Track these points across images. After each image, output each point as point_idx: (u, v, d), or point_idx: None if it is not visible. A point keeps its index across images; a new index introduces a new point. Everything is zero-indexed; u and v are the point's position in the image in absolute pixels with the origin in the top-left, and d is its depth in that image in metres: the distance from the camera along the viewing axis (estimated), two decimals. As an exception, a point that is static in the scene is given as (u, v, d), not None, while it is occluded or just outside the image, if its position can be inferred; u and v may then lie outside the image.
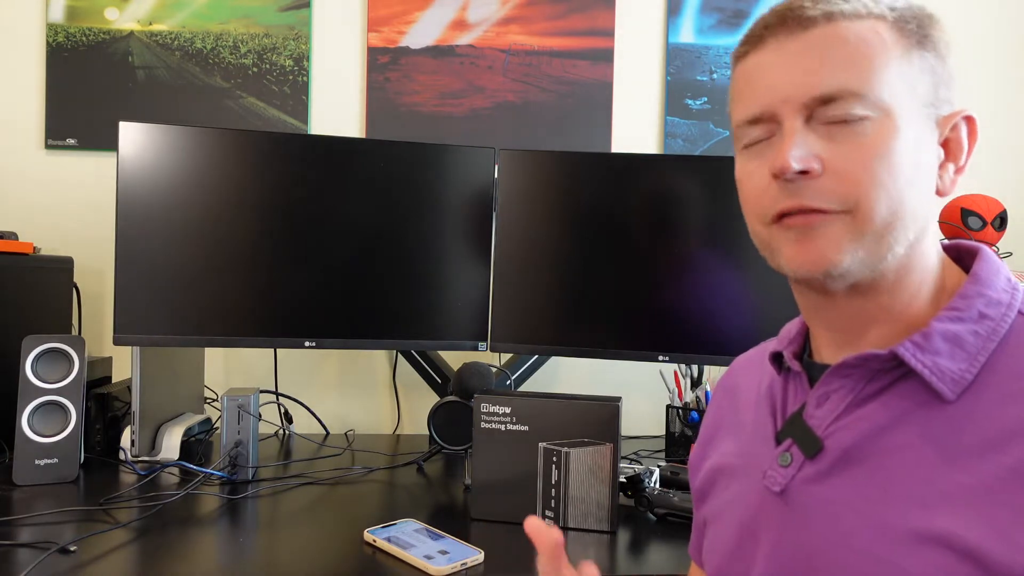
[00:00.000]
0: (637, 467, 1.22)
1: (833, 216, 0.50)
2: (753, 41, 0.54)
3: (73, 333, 1.51)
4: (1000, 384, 0.48)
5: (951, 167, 0.54)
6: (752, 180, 0.55)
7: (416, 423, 1.65)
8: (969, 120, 0.54)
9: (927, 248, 0.54)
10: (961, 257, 0.57)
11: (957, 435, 0.48)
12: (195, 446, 1.39)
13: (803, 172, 0.50)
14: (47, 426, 1.15)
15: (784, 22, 0.52)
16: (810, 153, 0.50)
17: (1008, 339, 0.50)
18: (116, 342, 1.23)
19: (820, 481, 0.53)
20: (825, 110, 0.50)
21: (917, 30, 0.52)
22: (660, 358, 1.31)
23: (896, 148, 0.50)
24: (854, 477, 0.51)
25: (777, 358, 0.62)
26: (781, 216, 0.52)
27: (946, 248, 0.58)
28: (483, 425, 1.02)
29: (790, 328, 0.64)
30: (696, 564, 0.73)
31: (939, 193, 0.53)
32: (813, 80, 0.50)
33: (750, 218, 0.57)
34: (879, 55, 0.50)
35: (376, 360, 1.66)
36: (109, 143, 1.58)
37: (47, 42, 1.58)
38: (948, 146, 0.54)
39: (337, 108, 1.65)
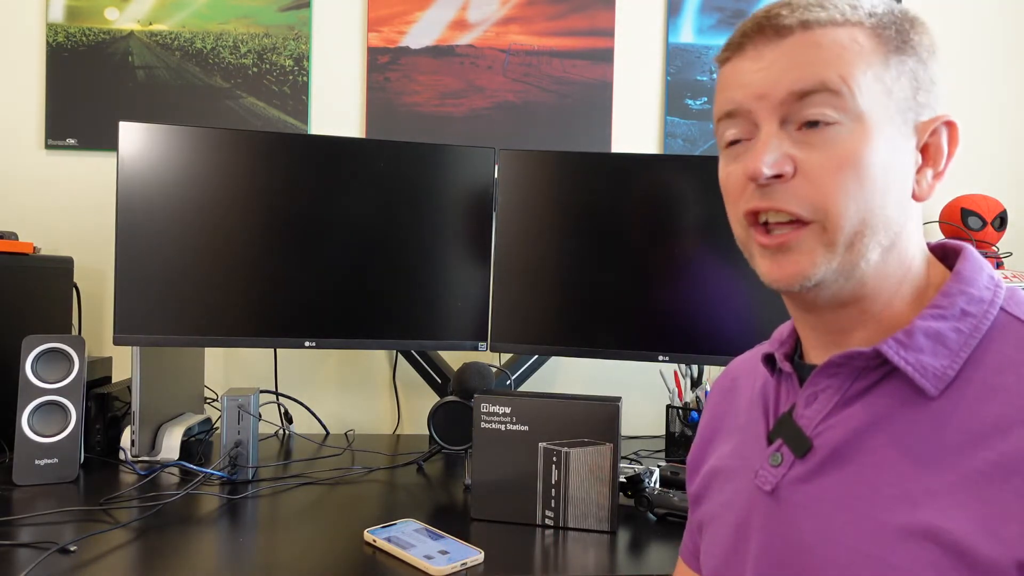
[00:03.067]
0: (637, 467, 1.22)
1: (805, 230, 0.52)
2: (733, 48, 0.56)
3: (73, 333, 1.51)
4: (982, 380, 0.49)
5: (929, 172, 0.54)
6: (731, 181, 0.56)
7: (416, 423, 1.65)
8: (950, 125, 0.54)
9: (906, 251, 0.54)
10: (946, 256, 0.58)
11: (941, 431, 0.48)
12: (195, 446, 1.39)
13: (776, 176, 0.51)
14: (47, 426, 1.15)
15: (762, 30, 0.53)
16: (783, 156, 0.51)
17: (990, 336, 0.51)
18: (116, 342, 1.23)
19: (809, 480, 0.54)
20: (800, 108, 0.51)
21: (896, 35, 0.52)
22: (660, 358, 1.31)
23: (867, 156, 0.50)
24: (842, 475, 0.52)
25: (769, 360, 0.63)
26: (751, 214, 0.54)
27: (932, 248, 0.58)
28: (483, 425, 1.02)
29: (782, 330, 0.65)
30: (685, 565, 0.73)
31: (916, 198, 0.54)
32: (789, 76, 0.51)
33: (731, 218, 0.58)
34: (855, 60, 0.51)
35: (376, 360, 1.66)
36: (109, 143, 1.58)
37: (47, 42, 1.58)
38: (927, 151, 0.54)
39: (337, 108, 1.65)
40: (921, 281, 0.55)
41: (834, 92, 0.50)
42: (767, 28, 0.53)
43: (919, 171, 0.54)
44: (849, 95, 0.50)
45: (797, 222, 0.52)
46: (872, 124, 0.51)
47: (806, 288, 0.53)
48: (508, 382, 1.47)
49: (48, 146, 1.58)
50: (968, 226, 1.56)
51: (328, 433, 1.56)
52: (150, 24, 1.60)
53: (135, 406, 1.25)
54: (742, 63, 0.54)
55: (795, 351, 0.63)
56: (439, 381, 1.56)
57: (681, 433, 1.42)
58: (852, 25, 0.52)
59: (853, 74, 0.50)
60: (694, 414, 1.40)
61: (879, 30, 0.52)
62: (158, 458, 1.29)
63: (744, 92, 0.54)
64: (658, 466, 1.18)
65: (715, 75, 1.72)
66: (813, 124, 0.51)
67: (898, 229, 0.53)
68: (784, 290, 0.54)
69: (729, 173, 0.57)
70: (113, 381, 1.46)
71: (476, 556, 0.86)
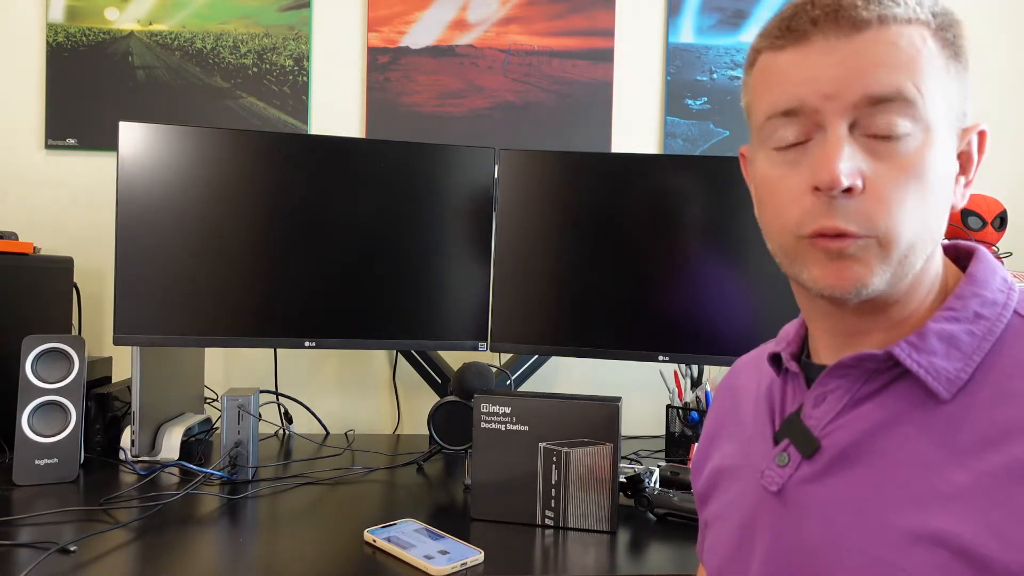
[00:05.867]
0: (637, 467, 1.22)
1: (862, 239, 0.49)
2: (794, 35, 0.51)
3: (73, 333, 1.51)
4: (995, 383, 0.48)
5: (962, 180, 0.53)
6: (783, 186, 0.52)
7: (416, 423, 1.65)
8: (981, 134, 0.53)
9: (935, 258, 0.54)
10: (959, 257, 0.57)
11: (953, 434, 0.48)
12: (195, 446, 1.39)
13: (847, 189, 0.48)
14: (47, 426, 1.15)
15: (836, 20, 0.49)
16: (856, 168, 0.48)
17: (1004, 339, 0.50)
18: (116, 342, 1.23)
19: (816, 481, 0.53)
20: (873, 115, 0.48)
21: (953, 39, 0.50)
22: (660, 358, 1.31)
23: (931, 168, 0.49)
24: (850, 477, 0.51)
25: (775, 359, 0.62)
26: (817, 233, 0.50)
27: (944, 249, 0.57)
28: (483, 425, 1.01)
29: (788, 329, 0.64)
30: (703, 565, 0.73)
31: (951, 207, 0.53)
32: (866, 80, 0.48)
33: (775, 225, 0.54)
34: (928, 65, 0.49)
35: (376, 360, 1.66)
36: (109, 143, 1.58)
37: (47, 42, 1.58)
38: (961, 159, 0.53)
39: (337, 108, 1.65)
40: (939, 283, 0.54)
41: (909, 101, 0.48)
42: (842, 18, 0.49)
43: (955, 180, 0.52)
44: (922, 104, 0.48)
45: (853, 235, 0.49)
46: (936, 134, 0.49)
47: (860, 296, 0.51)
48: (508, 382, 1.47)
49: (48, 146, 1.58)
50: (968, 226, 1.55)
51: (328, 433, 1.56)
52: (150, 24, 1.60)
53: (135, 406, 1.25)
54: (808, 54, 0.50)
55: (802, 351, 0.62)
56: (439, 381, 1.56)
57: (681, 433, 1.41)
58: (922, 24, 0.49)
59: (926, 81, 0.48)
60: (694, 414, 1.40)
61: (941, 32, 0.50)
62: (158, 458, 1.29)
63: (811, 89, 0.49)
64: (658, 466, 1.18)
65: (715, 75, 1.73)
66: (884, 135, 0.48)
67: (939, 239, 0.52)
68: (837, 297, 0.51)
69: (780, 177, 0.52)
70: (113, 381, 1.46)
71: (476, 556, 0.86)
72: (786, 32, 0.52)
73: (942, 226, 0.52)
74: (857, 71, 0.48)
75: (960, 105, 0.51)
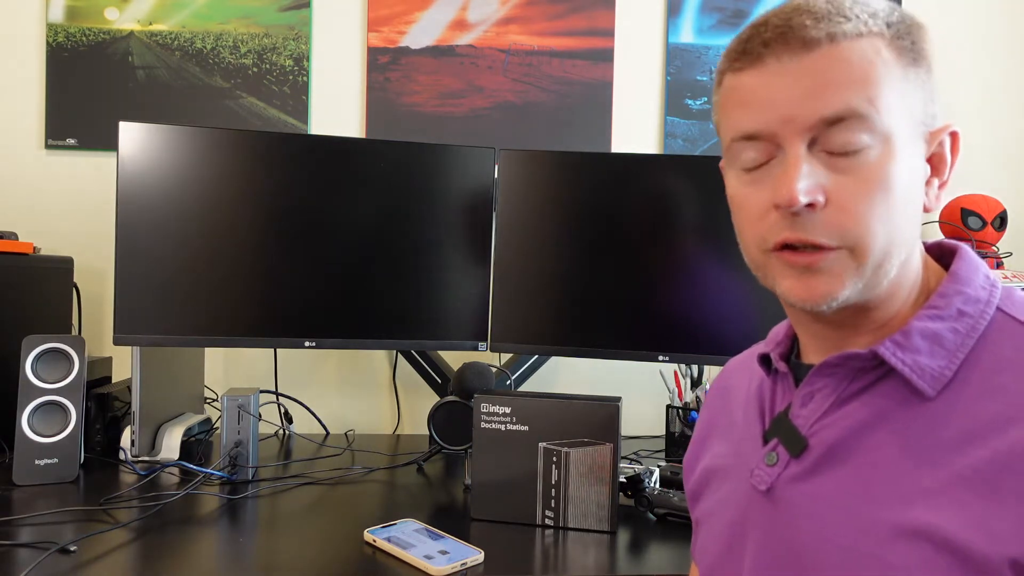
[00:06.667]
0: (637, 467, 1.22)
1: (834, 252, 0.50)
2: (749, 58, 0.52)
3: (73, 333, 1.51)
4: (979, 380, 0.49)
5: (936, 182, 0.54)
6: (749, 204, 0.54)
7: (416, 423, 1.65)
8: (953, 135, 0.54)
9: (914, 260, 0.54)
10: (942, 255, 0.58)
11: (937, 431, 0.48)
12: (195, 446, 1.39)
13: (808, 205, 0.49)
14: (47, 426, 1.15)
15: (786, 41, 0.50)
16: (816, 184, 0.49)
17: (987, 335, 0.51)
18: (116, 342, 1.23)
19: (805, 479, 0.54)
20: (830, 133, 0.49)
21: (912, 46, 0.51)
22: (660, 358, 1.31)
23: (894, 177, 0.49)
24: (837, 474, 0.52)
25: (765, 360, 0.62)
26: (782, 246, 0.52)
27: (928, 247, 0.58)
28: (483, 425, 1.01)
29: (778, 331, 0.65)
30: (696, 563, 0.73)
31: (925, 209, 0.53)
32: (819, 102, 0.49)
33: (746, 241, 0.56)
34: (882, 77, 0.49)
35: (376, 360, 1.66)
36: (109, 143, 1.58)
37: (47, 42, 1.57)
38: (932, 161, 0.54)
39: (337, 108, 1.65)
40: (921, 283, 0.55)
41: (863, 116, 0.48)
42: (792, 39, 0.50)
43: (927, 182, 0.53)
44: (877, 117, 0.48)
45: (823, 248, 0.50)
46: (896, 143, 0.49)
47: (831, 308, 0.51)
48: (508, 382, 1.47)
49: (48, 146, 1.58)
50: (968, 226, 1.55)
51: (328, 433, 1.56)
52: (150, 24, 1.60)
53: (135, 406, 1.25)
54: (763, 76, 0.51)
55: (791, 351, 0.63)
56: (439, 381, 1.56)
57: (681, 433, 1.42)
58: (875, 36, 0.50)
59: (880, 93, 0.49)
60: (694, 414, 1.40)
61: (896, 41, 0.50)
62: (158, 458, 1.29)
63: (768, 113, 0.50)
64: (658, 466, 1.18)
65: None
66: (842, 151, 0.49)
67: (913, 242, 0.53)
68: (809, 309, 0.52)
69: (746, 195, 0.54)
70: (113, 381, 1.46)
71: (476, 556, 0.86)
72: (742, 55, 0.53)
73: (915, 230, 0.52)
74: (810, 92, 0.49)
75: (925, 109, 0.52)
